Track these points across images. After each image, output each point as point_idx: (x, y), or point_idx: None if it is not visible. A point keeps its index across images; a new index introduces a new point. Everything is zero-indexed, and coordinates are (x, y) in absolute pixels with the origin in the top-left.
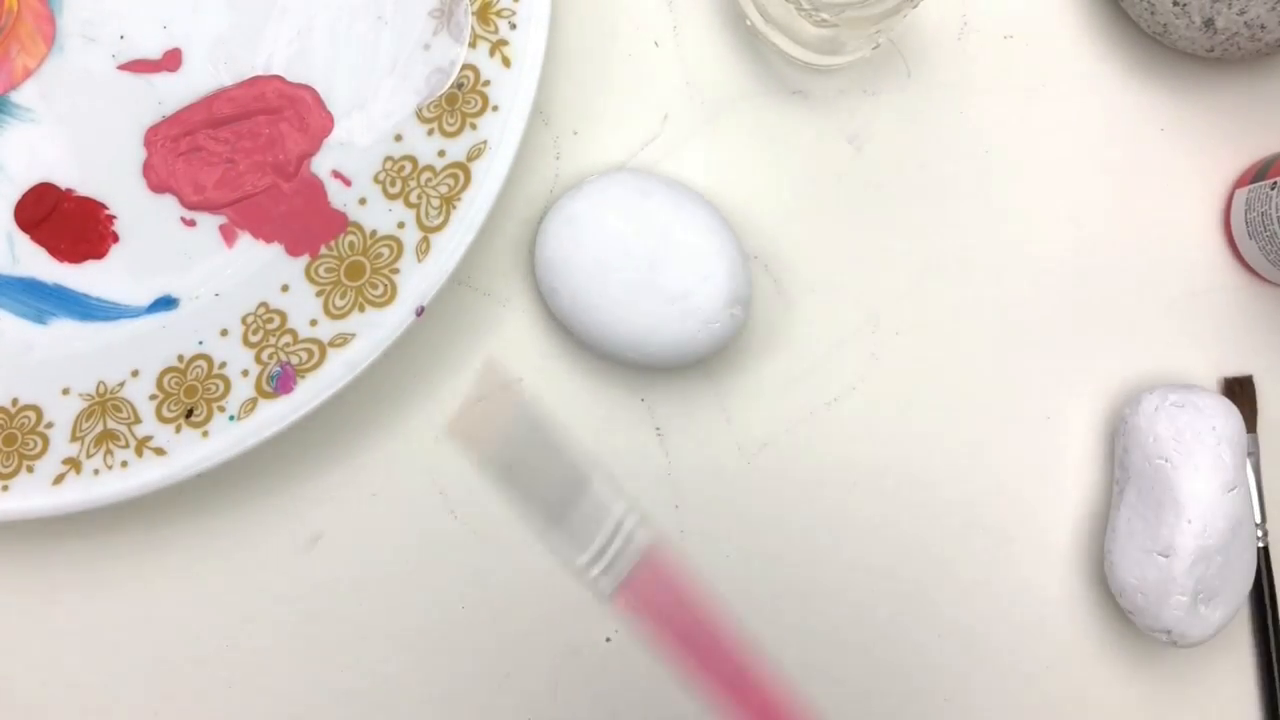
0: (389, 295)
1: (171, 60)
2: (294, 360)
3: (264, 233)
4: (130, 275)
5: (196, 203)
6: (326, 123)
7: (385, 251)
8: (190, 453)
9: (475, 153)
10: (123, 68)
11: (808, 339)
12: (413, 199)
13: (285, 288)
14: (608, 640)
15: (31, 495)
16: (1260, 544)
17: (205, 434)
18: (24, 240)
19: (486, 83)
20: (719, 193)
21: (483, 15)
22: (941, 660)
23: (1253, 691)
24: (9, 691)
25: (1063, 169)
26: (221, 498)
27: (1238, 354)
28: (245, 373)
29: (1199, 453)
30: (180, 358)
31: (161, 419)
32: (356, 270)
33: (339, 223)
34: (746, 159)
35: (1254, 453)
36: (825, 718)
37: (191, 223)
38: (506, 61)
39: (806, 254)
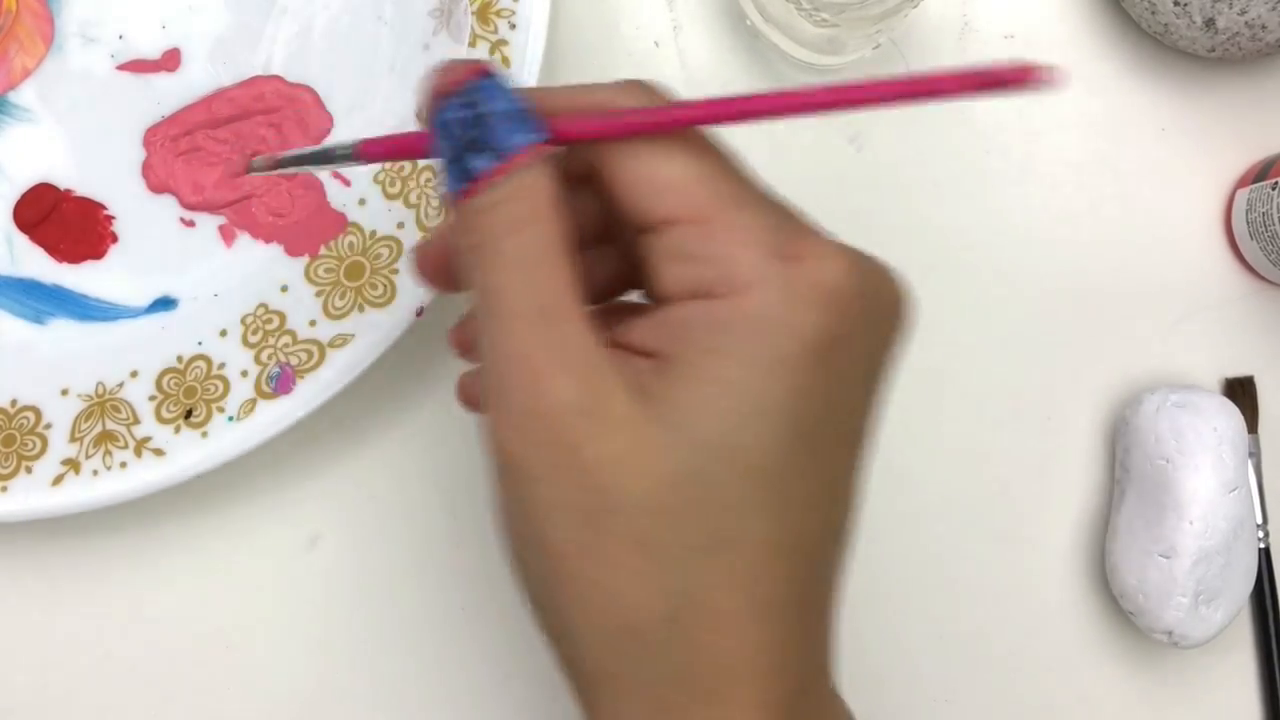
0: (389, 295)
1: (170, 60)
2: (293, 361)
3: (263, 233)
4: (129, 275)
5: (196, 203)
6: (326, 123)
7: (385, 252)
8: (189, 453)
9: None
10: (121, 68)
11: None
12: (412, 199)
13: (284, 288)
14: None
15: (30, 496)
16: (1261, 545)
17: (204, 435)
18: (23, 240)
19: None
20: None
21: (482, 15)
22: (942, 660)
23: (1254, 692)
24: (9, 691)
25: (1063, 169)
26: (221, 498)
27: (1239, 354)
28: (244, 373)
29: (1200, 453)
30: (179, 358)
31: (160, 420)
32: (356, 270)
33: (338, 223)
34: (746, 159)
35: (1255, 453)
36: None
37: (190, 223)
38: (506, 61)
39: None
